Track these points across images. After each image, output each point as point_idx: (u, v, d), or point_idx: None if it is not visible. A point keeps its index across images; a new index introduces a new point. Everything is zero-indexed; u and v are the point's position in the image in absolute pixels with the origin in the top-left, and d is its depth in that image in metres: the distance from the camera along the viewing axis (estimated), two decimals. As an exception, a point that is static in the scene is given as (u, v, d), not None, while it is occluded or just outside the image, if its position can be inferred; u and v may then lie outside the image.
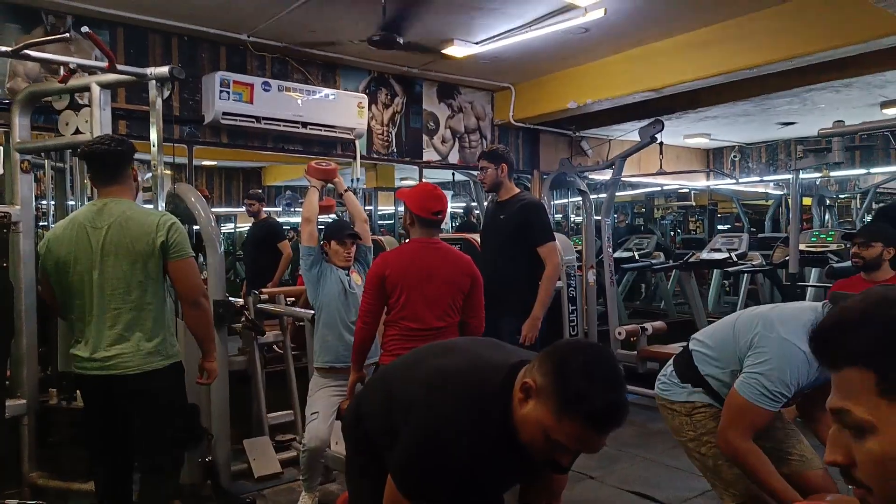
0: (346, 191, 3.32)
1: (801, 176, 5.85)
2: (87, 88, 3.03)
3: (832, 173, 6.31)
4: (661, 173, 5.60)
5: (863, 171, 7.06)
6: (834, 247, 5.49)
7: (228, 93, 4.12)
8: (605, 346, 1.44)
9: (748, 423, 1.81)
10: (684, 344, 2.07)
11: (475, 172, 5.95)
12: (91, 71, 3.07)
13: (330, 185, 3.29)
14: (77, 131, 3.18)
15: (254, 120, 4.24)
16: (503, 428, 1.31)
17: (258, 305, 3.65)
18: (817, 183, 6.83)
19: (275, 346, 4.01)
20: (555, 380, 1.22)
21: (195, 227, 3.29)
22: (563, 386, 1.20)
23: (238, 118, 4.18)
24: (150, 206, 3.05)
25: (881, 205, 6.48)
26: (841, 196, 7.90)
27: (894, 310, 0.65)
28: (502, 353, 1.48)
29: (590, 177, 5.99)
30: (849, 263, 4.87)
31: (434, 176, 7.08)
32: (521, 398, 1.28)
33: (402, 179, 7.68)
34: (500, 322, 3.11)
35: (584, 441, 1.23)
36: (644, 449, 3.91)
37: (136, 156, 3.42)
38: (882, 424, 0.65)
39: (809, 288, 5.52)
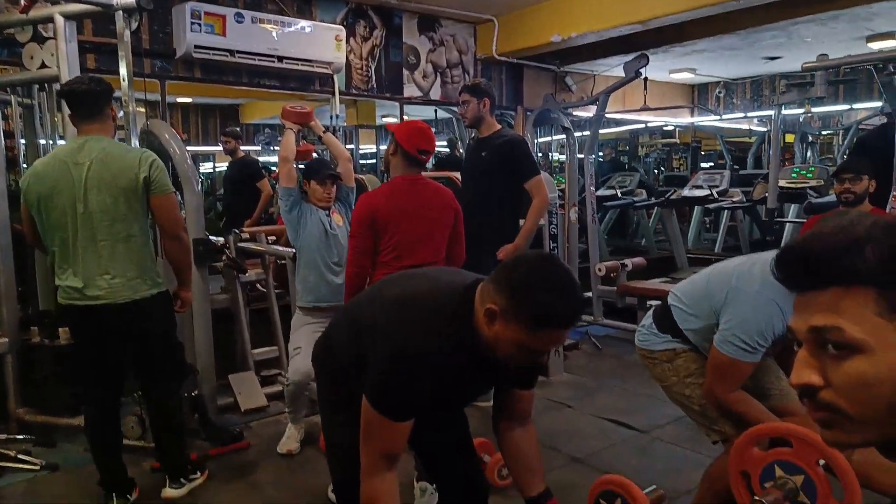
0: (324, 132, 3.25)
1: (785, 112, 5.83)
2: (50, 19, 2.91)
3: (814, 108, 6.28)
4: (645, 109, 5.55)
5: (846, 106, 7.05)
6: (813, 183, 5.54)
7: (200, 24, 3.97)
8: (550, 254, 1.51)
9: (732, 377, 1.86)
10: (663, 279, 2.12)
11: (458, 109, 5.87)
12: (54, 0, 2.94)
13: (307, 128, 3.23)
14: (43, 65, 3.07)
15: (227, 53, 4.10)
16: (467, 343, 1.37)
17: (239, 244, 3.63)
18: (801, 119, 6.82)
19: (258, 285, 4.02)
20: (520, 301, 1.27)
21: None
22: (531, 306, 1.26)
23: (211, 52, 4.04)
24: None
25: (861, 134, 6.49)
26: (824, 133, 7.90)
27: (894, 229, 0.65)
28: (460, 276, 1.54)
29: (574, 114, 5.93)
30: (829, 198, 4.94)
31: (416, 112, 6.94)
32: (486, 322, 1.32)
33: (383, 117, 7.54)
34: (482, 261, 3.13)
35: (557, 341, 1.36)
36: (621, 380, 4.04)
37: None
38: (879, 345, 0.64)
39: (788, 224, 5.60)
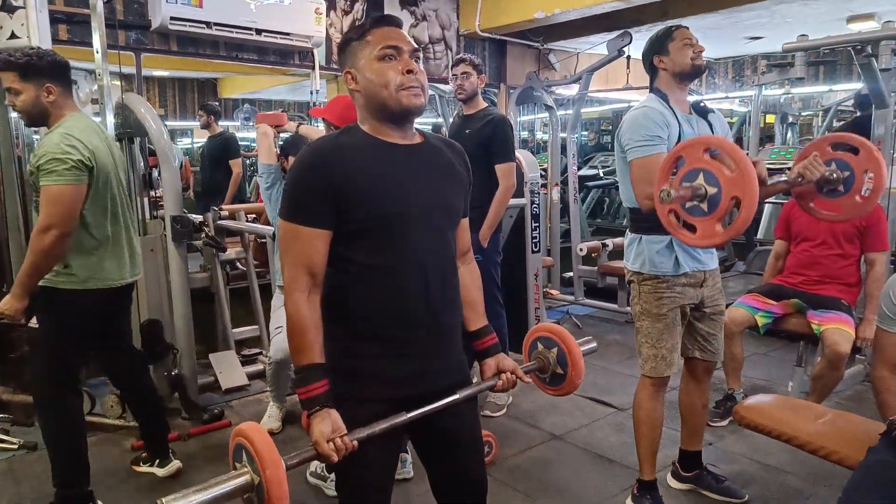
0: (298, 125, 3.20)
1: (766, 93, 5.87)
2: (18, -13, 2.80)
3: (794, 90, 6.33)
4: (627, 88, 5.53)
5: (825, 87, 7.10)
6: (792, 164, 5.58)
7: (175, -5, 3.86)
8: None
9: (649, 174, 2.00)
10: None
11: (441, 86, 5.79)
12: (22, -33, 2.83)
13: (283, 132, 3.14)
14: (13, 36, 2.97)
15: (204, 25, 4.00)
16: (359, 133, 1.38)
17: (218, 222, 3.58)
18: (781, 100, 6.86)
19: (237, 263, 3.99)
20: (348, 44, 1.39)
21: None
22: (357, 25, 1.39)
23: (187, 23, 3.94)
24: (99, 119, 2.92)
25: (842, 122, 6.55)
26: (804, 114, 7.96)
27: None
28: None
29: (557, 92, 5.90)
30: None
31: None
32: (354, 86, 1.37)
33: (365, 93, 7.41)
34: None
35: (396, 36, 1.34)
36: (600, 358, 4.09)
37: (82, 65, 3.23)
38: None
39: (766, 205, 5.66)
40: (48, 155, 2.11)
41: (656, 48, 2.19)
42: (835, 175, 2.11)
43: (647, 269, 2.18)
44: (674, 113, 2.12)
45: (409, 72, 1.31)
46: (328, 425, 1.26)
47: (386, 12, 5.16)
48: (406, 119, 1.37)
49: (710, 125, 2.22)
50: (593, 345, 1.65)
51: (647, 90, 2.23)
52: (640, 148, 2.06)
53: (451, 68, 3.27)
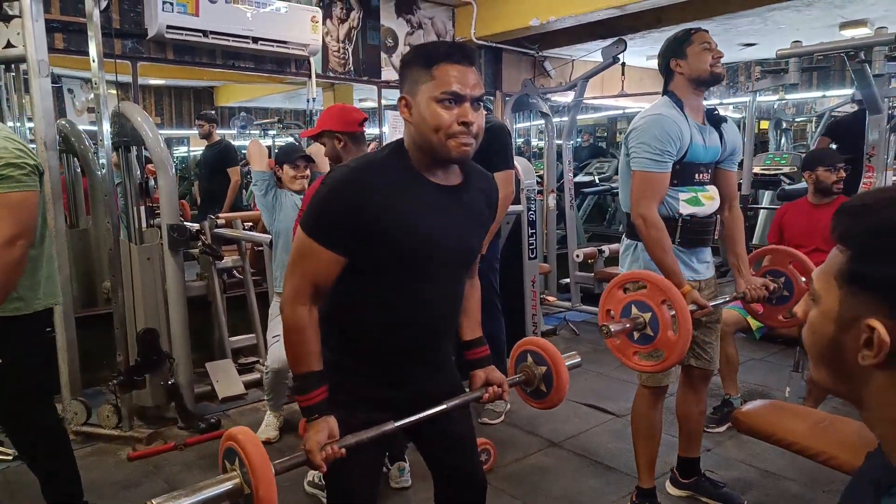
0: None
1: (759, 99, 5.90)
2: (15, -3, 2.80)
3: (788, 95, 6.37)
4: (622, 95, 5.56)
5: (819, 93, 7.15)
6: (787, 169, 5.62)
7: (172, 4, 3.87)
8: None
9: (649, 191, 2.02)
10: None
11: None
12: (18, -23, 2.83)
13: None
14: (9, 44, 2.98)
15: (200, 34, 4.01)
16: (399, 154, 1.33)
17: (215, 230, 3.58)
18: (775, 106, 6.89)
19: (234, 272, 3.98)
20: (409, 61, 1.30)
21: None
22: (416, 54, 1.30)
23: (183, 32, 3.95)
24: (95, 128, 2.92)
25: (831, 120, 6.59)
26: (797, 119, 8.01)
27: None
28: None
29: (552, 99, 5.92)
30: (802, 185, 5.01)
31: (393, 96, 6.86)
32: (407, 116, 1.30)
33: (360, 101, 7.46)
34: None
35: (460, 75, 1.26)
36: (597, 364, 4.09)
37: (77, 73, 3.16)
38: (823, 299, 0.71)
39: (761, 210, 5.69)
40: (1, 160, 1.87)
41: (673, 50, 2.11)
42: (773, 287, 2.25)
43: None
44: (687, 122, 2.08)
45: (465, 123, 1.26)
46: (324, 434, 1.28)
47: (383, 20, 5.21)
48: (451, 165, 1.35)
49: (721, 135, 2.17)
50: (577, 360, 1.66)
51: (660, 93, 2.17)
52: (648, 161, 2.01)
53: None
